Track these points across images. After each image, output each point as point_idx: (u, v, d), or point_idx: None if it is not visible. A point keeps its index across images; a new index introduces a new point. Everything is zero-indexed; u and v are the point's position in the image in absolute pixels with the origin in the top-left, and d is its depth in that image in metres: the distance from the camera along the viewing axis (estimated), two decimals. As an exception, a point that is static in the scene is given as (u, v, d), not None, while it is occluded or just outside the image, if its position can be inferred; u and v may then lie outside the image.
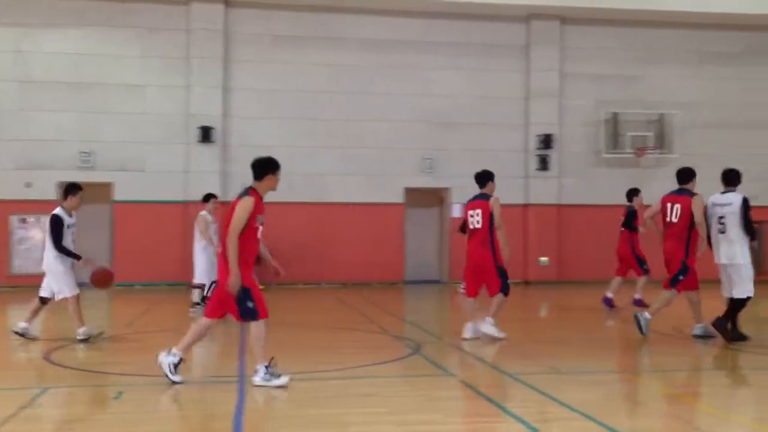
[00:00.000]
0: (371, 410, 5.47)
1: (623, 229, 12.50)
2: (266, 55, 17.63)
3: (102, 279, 8.87)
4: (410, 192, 18.21)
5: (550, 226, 18.18)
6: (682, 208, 8.96)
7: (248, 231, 6.05)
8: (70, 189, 8.87)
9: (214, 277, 11.60)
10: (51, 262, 8.65)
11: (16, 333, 8.81)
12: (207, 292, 11.22)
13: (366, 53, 17.93)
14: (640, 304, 11.96)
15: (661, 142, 18.25)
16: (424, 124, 18.09)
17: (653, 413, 5.46)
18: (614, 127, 18.31)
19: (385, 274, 17.69)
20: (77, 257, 8.63)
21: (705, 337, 8.92)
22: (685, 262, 8.90)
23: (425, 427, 5.07)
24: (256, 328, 6.13)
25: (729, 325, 8.66)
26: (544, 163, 18.15)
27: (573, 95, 18.57)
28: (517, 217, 18.26)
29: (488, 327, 8.70)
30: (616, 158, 18.29)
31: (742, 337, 8.73)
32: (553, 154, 18.18)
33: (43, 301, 8.84)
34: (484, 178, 9.04)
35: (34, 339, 8.83)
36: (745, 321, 9.04)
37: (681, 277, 8.89)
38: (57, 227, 8.54)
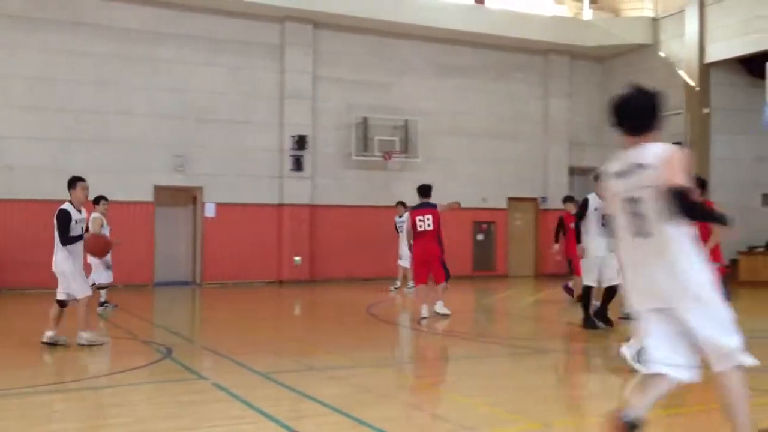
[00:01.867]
0: (117, 421, 5.16)
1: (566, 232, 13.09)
2: (-6, 35, 15.83)
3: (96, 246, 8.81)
4: (160, 190, 17.46)
5: (304, 226, 18.51)
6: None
7: None
8: (74, 181, 8.53)
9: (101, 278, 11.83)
10: (61, 262, 8.18)
11: (45, 343, 8.13)
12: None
13: (113, 42, 16.85)
14: (568, 290, 13.31)
15: (406, 146, 19.44)
16: (176, 120, 17.45)
17: (399, 403, 5.78)
18: (364, 131, 19.13)
19: (133, 276, 16.74)
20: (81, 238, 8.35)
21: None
22: None
23: (175, 434, 4.89)
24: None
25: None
26: (298, 164, 18.43)
27: (326, 98, 19.08)
28: (271, 217, 18.36)
29: (441, 307, 10.90)
30: (365, 161, 19.13)
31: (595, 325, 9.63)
32: (306, 155, 18.53)
33: (62, 304, 8.32)
34: (429, 190, 11.15)
35: (65, 345, 8.17)
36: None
37: None
38: (65, 222, 8.16)
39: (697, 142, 19.00)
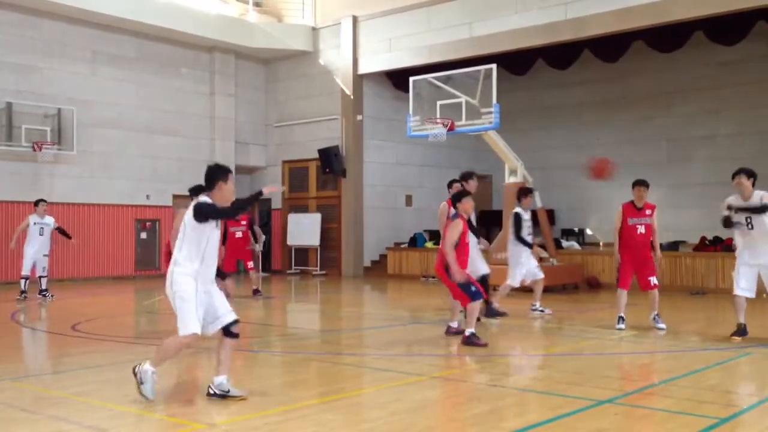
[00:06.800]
0: None
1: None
2: None
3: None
4: None
5: (-70, 224, 16.00)
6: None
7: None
8: (525, 191, 10.67)
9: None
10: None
11: None
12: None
13: None
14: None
15: (60, 137, 17.89)
16: None
17: (46, 418, 5.34)
18: (8, 118, 17.19)
19: None
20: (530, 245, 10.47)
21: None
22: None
23: None
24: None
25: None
26: None
27: (-41, 78, 16.72)
28: None
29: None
30: (10, 151, 17.21)
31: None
32: (-66, 143, 16.05)
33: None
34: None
35: None
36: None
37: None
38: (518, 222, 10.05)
39: (352, 146, 20.62)
